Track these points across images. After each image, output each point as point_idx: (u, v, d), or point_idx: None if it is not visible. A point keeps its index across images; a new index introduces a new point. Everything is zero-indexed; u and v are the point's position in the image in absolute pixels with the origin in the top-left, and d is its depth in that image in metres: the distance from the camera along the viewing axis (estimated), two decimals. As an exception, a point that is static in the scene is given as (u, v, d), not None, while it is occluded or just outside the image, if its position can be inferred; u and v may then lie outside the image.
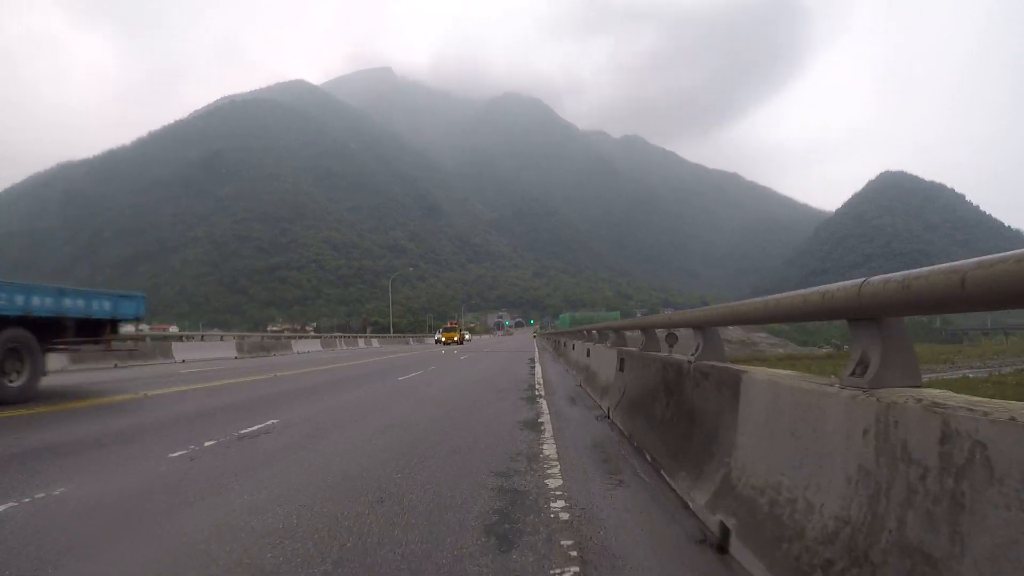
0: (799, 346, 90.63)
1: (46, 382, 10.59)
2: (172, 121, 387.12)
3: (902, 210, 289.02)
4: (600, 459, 5.18)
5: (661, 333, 7.04)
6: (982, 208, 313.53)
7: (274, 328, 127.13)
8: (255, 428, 6.65)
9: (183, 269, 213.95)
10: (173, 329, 74.50)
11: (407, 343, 63.71)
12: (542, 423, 7.15)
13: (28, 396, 9.52)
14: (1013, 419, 1.56)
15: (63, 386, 12.33)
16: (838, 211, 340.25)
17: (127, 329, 15.74)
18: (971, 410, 1.73)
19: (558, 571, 2.77)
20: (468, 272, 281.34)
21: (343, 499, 3.88)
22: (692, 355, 4.49)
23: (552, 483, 4.29)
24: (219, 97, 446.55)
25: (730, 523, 2.93)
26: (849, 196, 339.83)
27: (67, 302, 10.47)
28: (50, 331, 10.39)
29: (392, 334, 75.02)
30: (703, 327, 4.44)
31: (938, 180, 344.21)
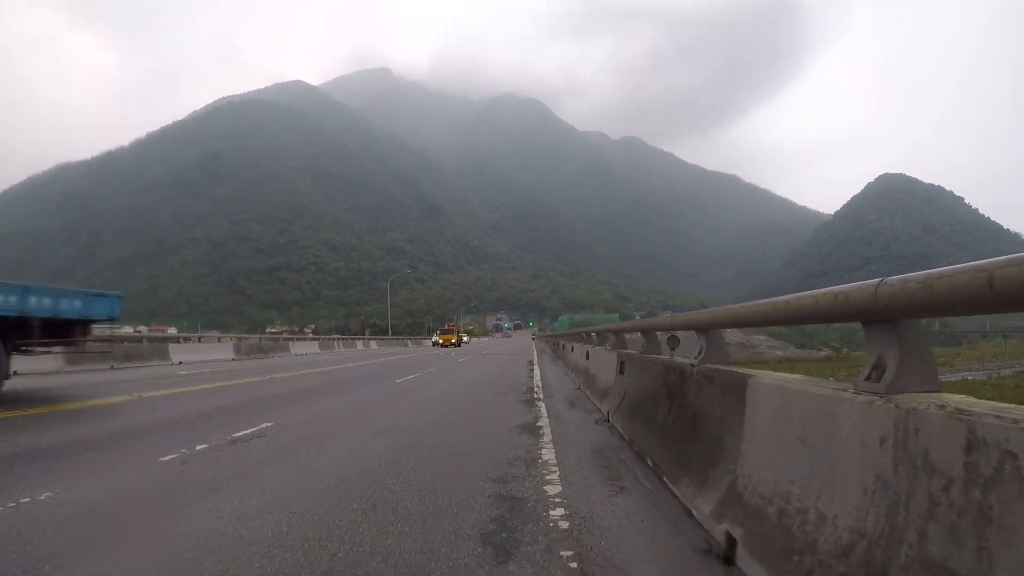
0: (798, 349, 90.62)
1: (42, 383, 10.52)
2: (170, 122, 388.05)
3: (901, 212, 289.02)
4: (600, 464, 5.06)
5: (662, 336, 6.93)
6: (981, 211, 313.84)
7: (272, 330, 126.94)
8: (248, 431, 6.53)
9: (181, 270, 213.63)
10: (171, 330, 74.36)
11: (405, 345, 63.59)
12: (541, 427, 7.04)
13: None
14: (1047, 427, 1.45)
15: (58, 387, 12.23)
16: (837, 213, 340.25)
17: (102, 330, 15.36)
18: (999, 417, 1.63)
19: (558, 584, 2.65)
20: (467, 274, 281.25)
21: (336, 506, 3.77)
22: (695, 358, 4.38)
23: (551, 489, 4.18)
24: (217, 98, 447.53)
25: (736, 533, 2.81)
26: (848, 198, 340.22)
27: (32, 300, 9.86)
28: (14, 331, 9.88)
29: (390, 336, 74.88)
30: (706, 330, 4.33)
31: (937, 182, 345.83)
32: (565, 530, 3.33)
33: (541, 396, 10.54)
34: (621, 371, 7.57)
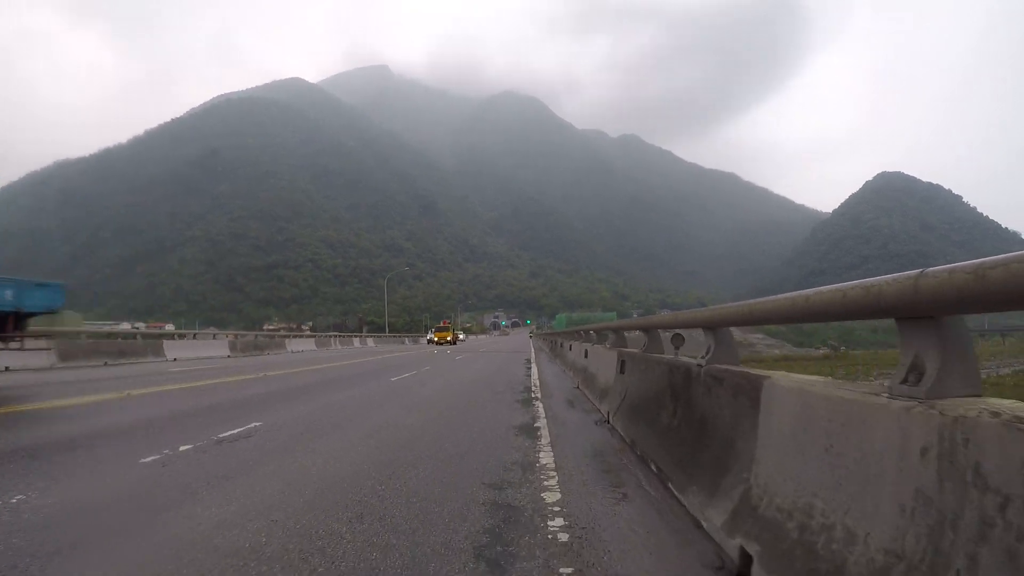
0: (795, 347, 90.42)
1: (31, 379, 10.21)
2: (169, 119, 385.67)
3: (899, 211, 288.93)
4: (601, 469, 4.81)
5: (665, 334, 6.68)
6: (979, 209, 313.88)
7: (270, 327, 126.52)
8: (235, 432, 6.29)
9: (180, 268, 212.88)
10: (169, 327, 74.01)
11: (403, 343, 63.41)
12: (538, 428, 6.81)
13: None
14: None
15: (48, 384, 12.01)
16: (835, 212, 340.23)
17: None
18: (1068, 427, 1.40)
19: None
20: (465, 272, 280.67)
21: (320, 514, 3.53)
22: (702, 358, 4.13)
23: (549, 497, 3.93)
24: (215, 95, 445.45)
25: (752, 549, 2.57)
26: (846, 197, 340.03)
27: None
28: None
29: (388, 334, 74.65)
30: (715, 328, 4.08)
31: (935, 181, 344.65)
32: (564, 543, 3.09)
33: (539, 395, 10.32)
34: (621, 370, 7.34)
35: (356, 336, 55.02)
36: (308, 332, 72.18)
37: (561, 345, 21.36)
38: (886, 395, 2.13)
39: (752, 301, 3.34)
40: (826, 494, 2.26)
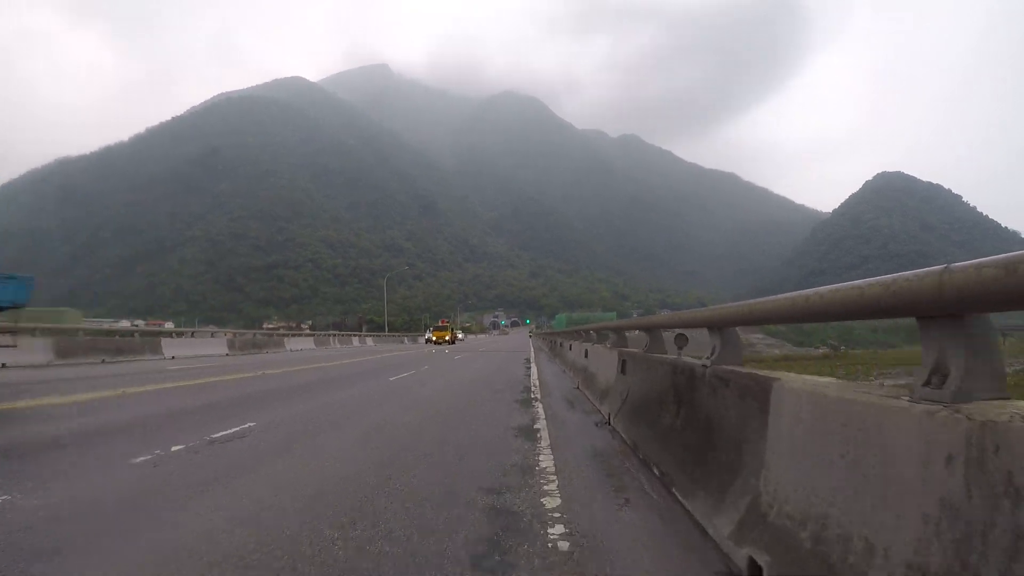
0: (795, 347, 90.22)
1: (27, 376, 10.08)
2: (169, 118, 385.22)
3: (899, 211, 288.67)
4: (603, 473, 4.68)
5: (668, 334, 6.56)
6: (979, 209, 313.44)
7: (269, 326, 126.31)
8: (229, 432, 6.17)
9: (180, 267, 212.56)
10: (169, 326, 73.84)
11: (402, 342, 63.24)
12: (538, 429, 6.68)
13: None
14: None
15: (43, 381, 11.90)
16: (835, 212, 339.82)
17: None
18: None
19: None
20: (465, 272, 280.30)
21: (311, 520, 3.41)
22: (707, 358, 4.00)
23: (549, 502, 3.79)
24: (216, 94, 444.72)
25: (762, 560, 2.45)
26: (846, 196, 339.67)
27: None
28: None
29: (387, 333, 74.49)
30: (720, 327, 3.95)
31: (935, 181, 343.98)
32: (565, 552, 2.96)
33: (538, 396, 10.19)
34: (623, 371, 7.22)
35: (355, 335, 54.89)
36: (307, 331, 72.03)
37: (561, 345, 21.25)
38: (907, 398, 2.01)
39: (762, 299, 3.20)
40: (842, 503, 2.14)
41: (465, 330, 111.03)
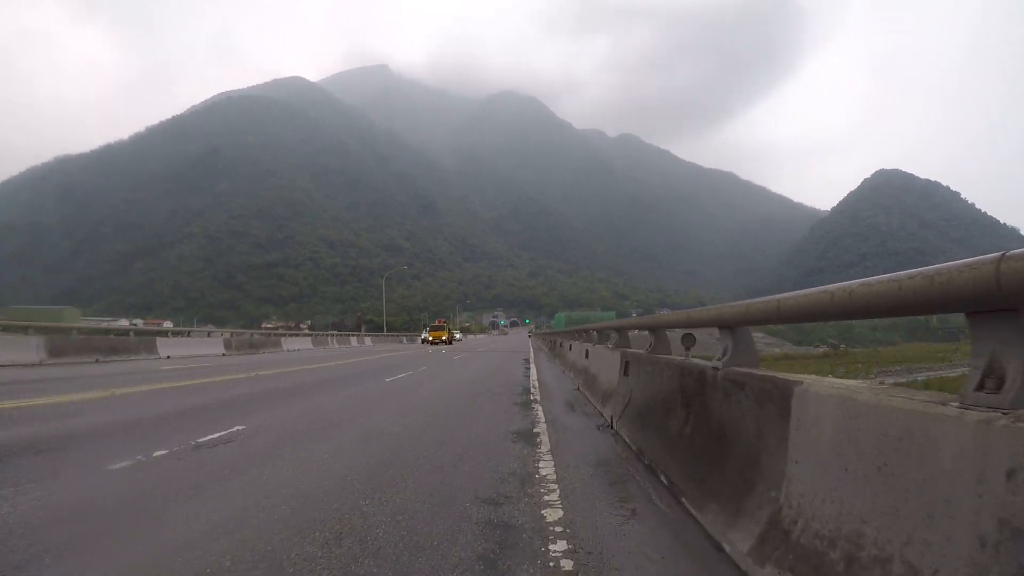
0: (795, 346, 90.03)
1: (15, 375, 9.83)
2: (169, 117, 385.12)
3: (897, 208, 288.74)
4: (607, 481, 4.44)
5: (674, 334, 6.31)
6: (977, 206, 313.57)
7: (268, 325, 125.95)
8: (216, 436, 5.92)
9: (179, 265, 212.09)
10: (167, 324, 73.54)
11: (400, 342, 62.92)
12: (538, 433, 6.43)
13: None
14: None
15: (34, 380, 11.66)
16: (833, 210, 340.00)
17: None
18: None
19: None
20: (464, 271, 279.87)
21: (295, 533, 3.17)
22: (719, 360, 3.76)
23: (551, 515, 3.55)
24: (216, 93, 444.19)
25: (786, 582, 2.21)
26: (844, 195, 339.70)
27: None
28: None
29: (386, 333, 74.15)
30: (733, 327, 3.70)
31: (933, 178, 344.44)
32: (569, 572, 2.72)
33: (538, 397, 9.95)
34: (625, 372, 6.98)
35: (354, 335, 54.57)
36: (306, 331, 71.74)
37: (560, 345, 21.02)
38: (955, 404, 1.77)
39: (780, 296, 2.94)
40: (879, 521, 1.90)
41: (464, 330, 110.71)
